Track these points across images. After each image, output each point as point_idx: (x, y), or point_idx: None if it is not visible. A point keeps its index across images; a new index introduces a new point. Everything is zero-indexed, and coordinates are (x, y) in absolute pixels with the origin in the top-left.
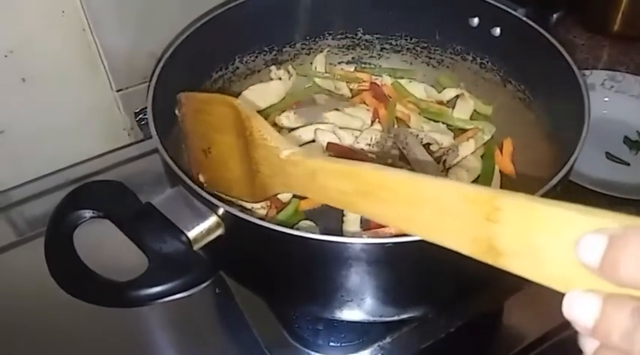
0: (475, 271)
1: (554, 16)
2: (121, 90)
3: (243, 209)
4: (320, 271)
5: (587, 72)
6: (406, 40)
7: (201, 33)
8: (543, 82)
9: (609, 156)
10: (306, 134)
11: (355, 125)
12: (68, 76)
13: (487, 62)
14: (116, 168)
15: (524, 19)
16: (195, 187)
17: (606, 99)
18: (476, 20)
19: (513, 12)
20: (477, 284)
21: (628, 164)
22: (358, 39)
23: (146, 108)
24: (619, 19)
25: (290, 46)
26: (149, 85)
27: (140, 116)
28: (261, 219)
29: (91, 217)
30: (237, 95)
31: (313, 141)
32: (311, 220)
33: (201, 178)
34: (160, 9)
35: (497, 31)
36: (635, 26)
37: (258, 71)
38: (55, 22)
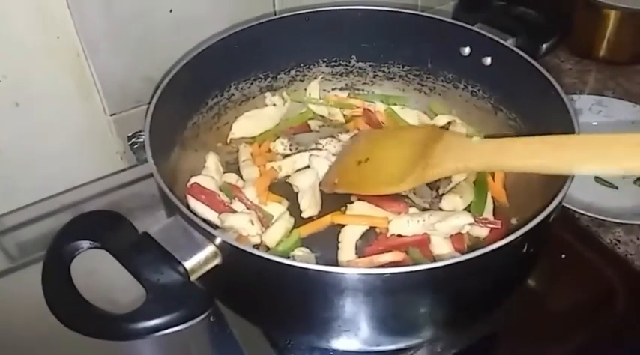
0: (470, 300)
1: (544, 46)
2: (114, 114)
3: (239, 237)
4: (317, 301)
5: (575, 96)
6: (399, 67)
7: (198, 61)
8: (533, 110)
9: (598, 179)
10: (300, 160)
11: None
12: (62, 100)
13: (478, 90)
14: (110, 193)
15: (514, 49)
16: (193, 216)
17: (594, 123)
18: (467, 50)
19: (503, 42)
20: (471, 313)
21: (616, 187)
22: (352, 66)
23: (139, 132)
24: (604, 44)
25: (284, 73)
26: (146, 114)
27: (133, 140)
28: (257, 247)
29: (89, 248)
30: (232, 121)
31: (308, 167)
32: (307, 247)
33: (336, 180)
34: (154, 34)
35: (487, 60)
36: (620, 52)
37: (253, 97)
38: (50, 47)
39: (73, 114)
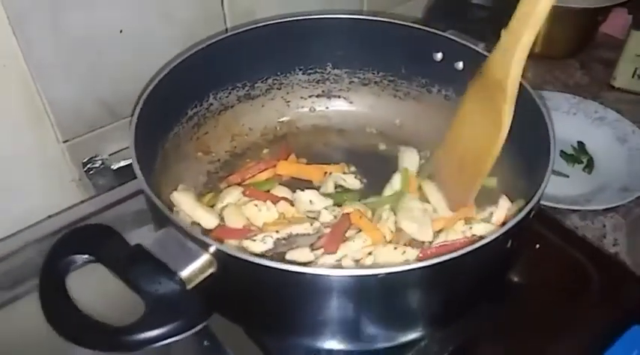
0: (457, 295)
1: None
2: (67, 140)
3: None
4: (314, 303)
5: None
6: (373, 74)
7: (179, 71)
8: None
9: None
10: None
11: None
12: (11, 129)
13: (451, 94)
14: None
15: (485, 53)
16: (186, 226)
17: None
18: (439, 55)
19: (474, 47)
20: (459, 308)
21: (567, 176)
22: (327, 73)
23: (94, 157)
24: (539, 41)
25: (262, 82)
26: (130, 127)
27: (89, 166)
28: (253, 254)
29: (84, 262)
30: (211, 131)
31: None
32: None
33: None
34: (106, 56)
35: (460, 64)
36: (554, 48)
37: (232, 107)
38: None
39: (22, 145)
